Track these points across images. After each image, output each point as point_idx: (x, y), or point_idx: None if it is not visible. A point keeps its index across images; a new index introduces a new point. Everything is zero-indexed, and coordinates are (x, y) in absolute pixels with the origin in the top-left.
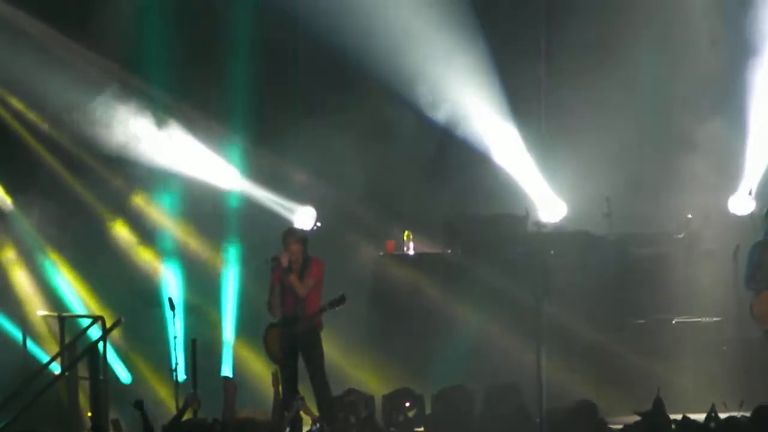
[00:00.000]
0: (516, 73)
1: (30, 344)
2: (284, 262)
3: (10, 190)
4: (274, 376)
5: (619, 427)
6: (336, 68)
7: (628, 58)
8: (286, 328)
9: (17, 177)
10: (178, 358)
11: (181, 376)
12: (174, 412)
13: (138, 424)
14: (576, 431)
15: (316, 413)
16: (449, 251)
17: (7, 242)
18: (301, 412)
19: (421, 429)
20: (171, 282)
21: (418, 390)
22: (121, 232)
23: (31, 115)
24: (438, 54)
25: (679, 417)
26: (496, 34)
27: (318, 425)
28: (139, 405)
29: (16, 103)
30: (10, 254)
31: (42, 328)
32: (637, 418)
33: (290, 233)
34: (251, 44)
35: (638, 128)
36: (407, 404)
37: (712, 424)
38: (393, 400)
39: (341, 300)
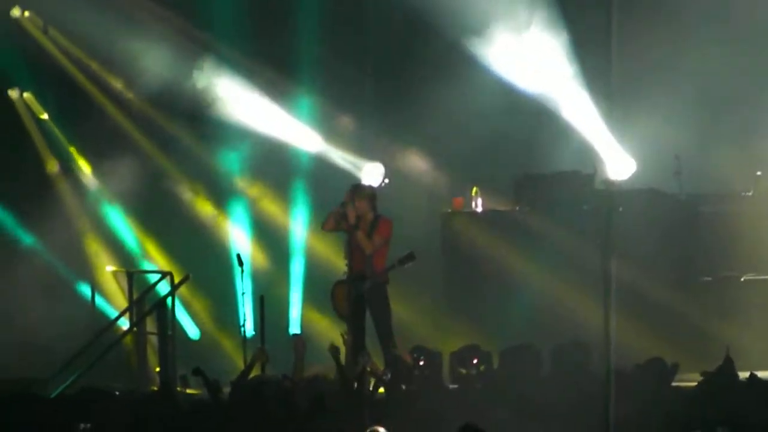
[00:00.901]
0: (584, 27)
1: (99, 300)
2: (351, 218)
3: (83, 149)
4: (343, 336)
5: (691, 384)
6: (405, 26)
7: (699, 12)
8: (354, 284)
9: (91, 137)
10: (247, 314)
11: (249, 332)
12: (242, 368)
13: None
14: (646, 387)
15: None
16: (517, 208)
17: (77, 198)
18: (369, 368)
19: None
20: (239, 239)
21: (485, 347)
22: (193, 190)
23: (103, 73)
24: (503, 8)
25: (746, 375)
26: None
27: (386, 377)
28: (197, 371)
29: (86, 59)
30: (80, 210)
31: (111, 284)
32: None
33: (357, 189)
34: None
35: (708, 85)
36: (474, 361)
37: None
38: (460, 356)
39: (410, 257)
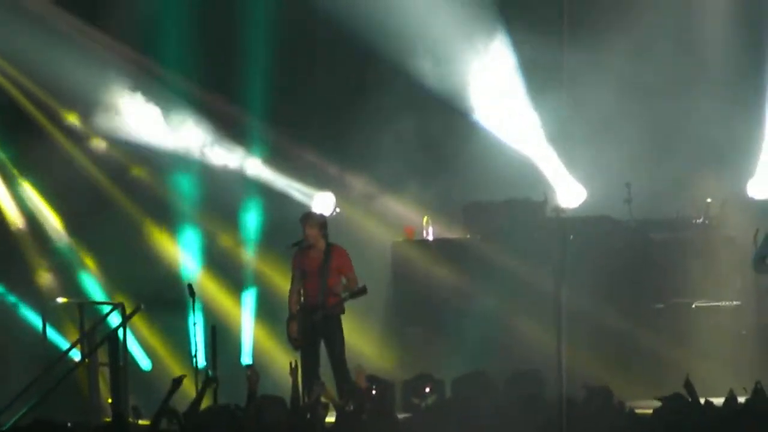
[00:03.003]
0: (535, 56)
1: (50, 331)
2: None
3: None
4: (292, 366)
5: (646, 411)
6: (353, 52)
7: (648, 41)
8: (308, 314)
9: (39, 164)
10: (198, 344)
11: (201, 362)
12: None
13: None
14: (595, 416)
15: (337, 398)
16: (468, 237)
17: (27, 232)
18: (323, 398)
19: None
20: (190, 268)
21: (438, 375)
22: (141, 219)
23: (50, 101)
24: (454, 36)
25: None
26: (515, 16)
27: (349, 408)
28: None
29: (31, 86)
30: (31, 243)
31: (61, 315)
32: (658, 402)
33: (307, 217)
34: (269, 26)
35: (659, 112)
36: (427, 389)
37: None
38: (412, 385)
39: (362, 290)
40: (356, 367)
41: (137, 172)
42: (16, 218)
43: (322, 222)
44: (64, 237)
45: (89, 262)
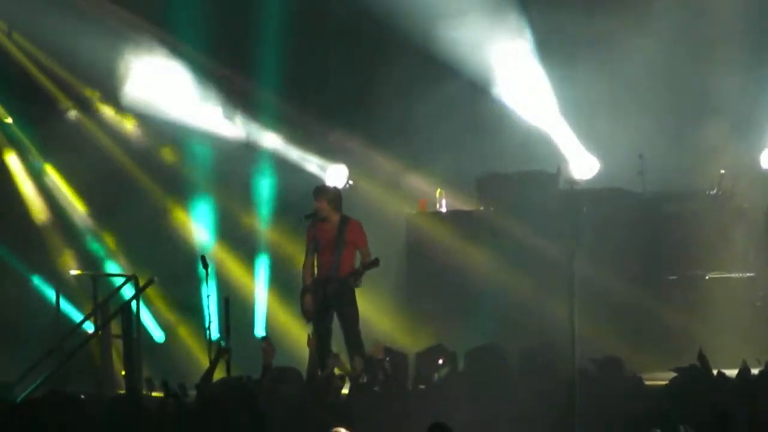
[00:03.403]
0: (548, 25)
1: (63, 303)
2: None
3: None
4: (310, 337)
5: (660, 383)
6: (370, 25)
7: (662, 12)
8: (321, 286)
9: (55, 140)
10: (212, 316)
11: (215, 334)
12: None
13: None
14: (607, 387)
15: (351, 370)
16: (481, 209)
17: (42, 202)
18: (337, 369)
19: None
20: (203, 241)
21: (451, 348)
22: (156, 191)
23: (63, 73)
24: (471, 7)
25: (713, 372)
26: None
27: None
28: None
29: (50, 63)
30: (43, 214)
31: (75, 287)
32: (673, 374)
33: (320, 190)
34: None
35: (671, 84)
36: (440, 361)
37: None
38: (425, 357)
39: (374, 263)
40: (374, 341)
41: (153, 146)
42: (31, 193)
43: (332, 195)
44: (80, 211)
45: (104, 235)
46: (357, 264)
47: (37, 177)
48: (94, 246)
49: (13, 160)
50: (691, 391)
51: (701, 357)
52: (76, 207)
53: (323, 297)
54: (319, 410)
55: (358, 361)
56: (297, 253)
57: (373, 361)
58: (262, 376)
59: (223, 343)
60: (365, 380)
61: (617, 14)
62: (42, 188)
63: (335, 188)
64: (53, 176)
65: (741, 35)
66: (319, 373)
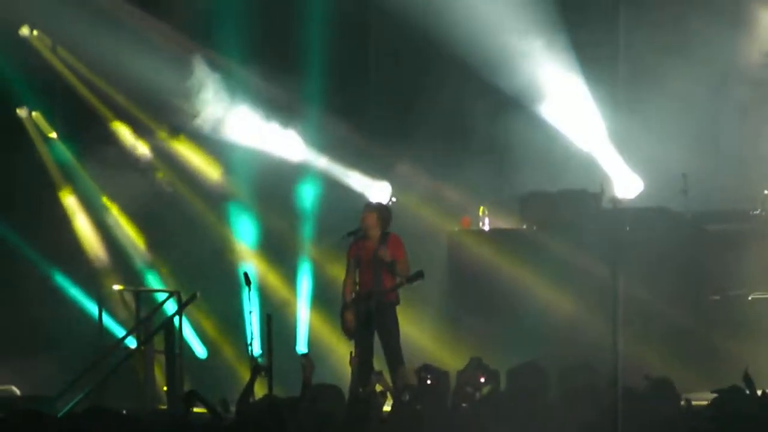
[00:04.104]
0: (591, 45)
1: (106, 318)
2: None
3: (91, 168)
4: (352, 356)
5: (702, 403)
6: (411, 42)
7: (705, 29)
8: (362, 303)
9: (99, 155)
10: (254, 333)
11: (257, 351)
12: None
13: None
14: (655, 410)
15: (392, 388)
16: (524, 227)
17: (86, 218)
18: (379, 387)
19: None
20: (246, 258)
21: (492, 366)
22: (198, 207)
23: (111, 91)
24: (510, 24)
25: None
26: (571, 6)
27: (405, 398)
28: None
29: (93, 77)
30: (88, 230)
31: (118, 303)
32: (713, 396)
33: (366, 206)
34: (324, 16)
35: (716, 102)
36: (482, 380)
37: None
38: (466, 374)
39: (419, 275)
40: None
41: (194, 160)
42: (75, 209)
43: (379, 211)
44: (124, 226)
45: (148, 251)
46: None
47: (81, 192)
48: (137, 262)
49: (56, 174)
50: (732, 412)
51: (747, 378)
52: (120, 222)
53: (365, 314)
54: (360, 428)
55: (400, 377)
56: (339, 270)
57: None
58: (301, 392)
59: (260, 361)
60: (407, 398)
61: (660, 30)
62: (86, 203)
63: (380, 205)
64: (97, 191)
65: None
66: (361, 390)
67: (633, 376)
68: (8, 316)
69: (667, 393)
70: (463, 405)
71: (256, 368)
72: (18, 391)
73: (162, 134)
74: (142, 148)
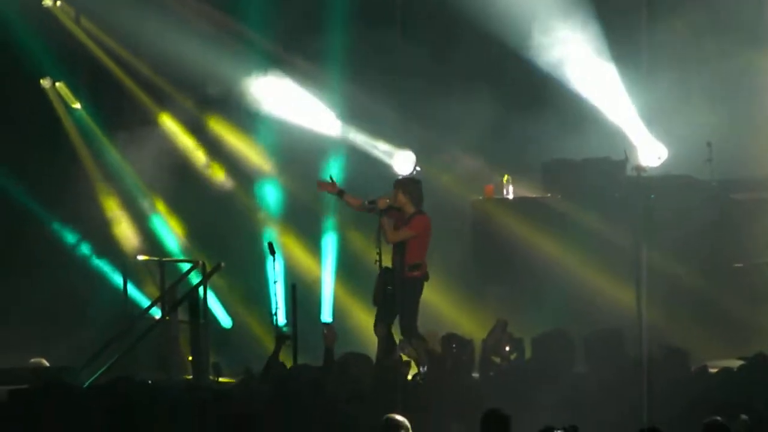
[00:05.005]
0: (617, 12)
1: (131, 288)
2: (380, 204)
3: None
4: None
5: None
6: (435, 13)
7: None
8: (384, 275)
9: (123, 126)
10: (278, 302)
11: (281, 320)
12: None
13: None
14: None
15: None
16: (548, 195)
17: (109, 188)
18: (404, 356)
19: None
20: (270, 228)
21: (517, 334)
22: (221, 177)
23: (133, 60)
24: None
25: None
26: None
27: (423, 369)
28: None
29: (117, 48)
30: (112, 200)
31: (142, 273)
32: (739, 362)
33: (398, 181)
34: None
35: (741, 70)
36: (507, 348)
37: None
38: (492, 342)
39: (373, 209)
40: (429, 331)
41: (219, 130)
42: (99, 178)
43: (409, 187)
44: (148, 196)
45: (172, 221)
46: (424, 258)
47: (105, 163)
48: (162, 232)
49: (80, 145)
50: (757, 379)
51: None
52: (144, 192)
53: (383, 287)
54: (387, 395)
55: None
56: (362, 239)
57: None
58: (324, 361)
59: (285, 329)
60: (425, 368)
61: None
62: (110, 174)
63: (415, 182)
64: (121, 162)
65: None
66: (387, 359)
67: (655, 344)
68: (35, 288)
69: (681, 363)
70: (491, 374)
71: (280, 337)
72: (47, 363)
73: (188, 104)
74: (165, 119)
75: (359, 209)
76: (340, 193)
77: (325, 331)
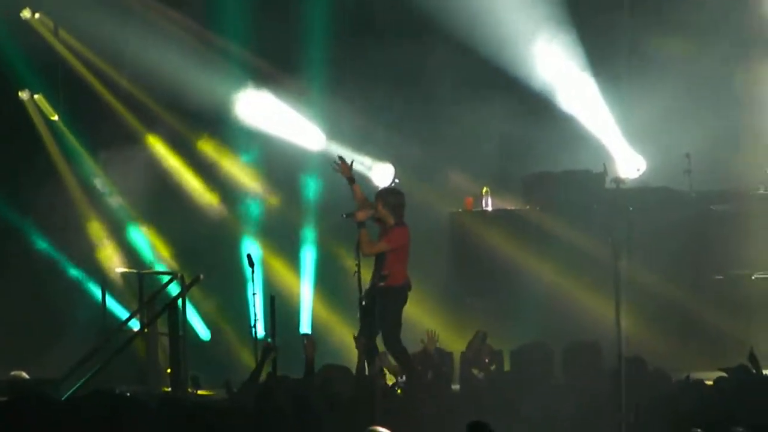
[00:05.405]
0: (595, 25)
1: (109, 301)
2: (359, 216)
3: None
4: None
5: (706, 382)
6: (412, 25)
7: (708, 10)
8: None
9: (101, 137)
10: (257, 314)
11: (260, 333)
12: (253, 367)
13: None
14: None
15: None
16: (527, 207)
17: (87, 200)
18: (385, 368)
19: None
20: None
21: (496, 346)
22: (200, 188)
23: (112, 73)
24: (514, 9)
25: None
26: None
27: (401, 379)
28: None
29: (96, 60)
30: (90, 211)
31: (121, 285)
32: (720, 373)
33: (378, 193)
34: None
35: (717, 81)
36: (486, 360)
37: None
38: (470, 355)
39: (351, 215)
40: (427, 332)
41: (202, 145)
42: (77, 190)
43: (388, 199)
44: (126, 209)
45: (150, 233)
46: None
47: (83, 174)
48: (140, 244)
49: (58, 157)
50: (739, 391)
51: (752, 357)
52: (123, 205)
53: (364, 297)
54: (366, 407)
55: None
56: (341, 252)
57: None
58: (305, 372)
59: (270, 341)
60: (403, 379)
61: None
62: (88, 186)
63: (395, 193)
64: (100, 174)
65: None
66: (367, 371)
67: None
68: (17, 301)
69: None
70: (467, 385)
71: (266, 349)
72: (26, 376)
73: (169, 118)
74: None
75: (359, 205)
76: (351, 180)
77: (306, 342)
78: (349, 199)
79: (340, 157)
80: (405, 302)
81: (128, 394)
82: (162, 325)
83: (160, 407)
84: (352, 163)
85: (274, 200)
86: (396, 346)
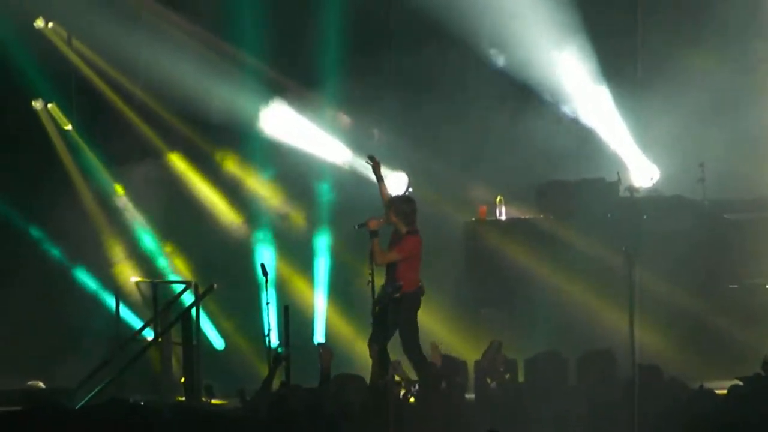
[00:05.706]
0: (609, 33)
1: (123, 310)
2: (372, 225)
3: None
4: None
5: (721, 392)
6: (428, 36)
7: (722, 15)
8: (383, 292)
9: (115, 147)
10: (271, 324)
11: (274, 342)
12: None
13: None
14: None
15: (411, 377)
16: (541, 216)
17: (101, 209)
18: (397, 377)
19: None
20: (263, 249)
21: (510, 355)
22: (216, 198)
23: (125, 83)
24: (526, 12)
25: None
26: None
27: (414, 388)
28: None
29: (109, 69)
30: (104, 220)
31: (135, 294)
32: (735, 382)
33: (389, 201)
34: (342, 9)
35: (732, 91)
36: (501, 369)
37: None
38: (485, 363)
39: (366, 225)
40: (431, 344)
41: (216, 155)
42: (91, 201)
43: (400, 208)
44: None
45: (166, 243)
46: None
47: (98, 184)
48: (154, 254)
49: (72, 167)
50: (753, 399)
51: (766, 365)
52: (137, 215)
53: (377, 305)
54: (380, 416)
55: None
56: (355, 261)
57: (433, 368)
58: (320, 381)
59: (280, 350)
60: (417, 388)
61: (677, 24)
62: (103, 197)
63: (408, 201)
64: (113, 184)
65: None
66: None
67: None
68: (33, 311)
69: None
70: (482, 394)
71: (277, 358)
72: (42, 385)
73: (182, 126)
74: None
75: (385, 203)
76: (380, 179)
77: (321, 351)
78: (361, 210)
79: (371, 156)
80: (419, 307)
81: (142, 403)
82: (176, 335)
83: (174, 416)
84: (379, 163)
85: (298, 217)
86: (416, 353)
